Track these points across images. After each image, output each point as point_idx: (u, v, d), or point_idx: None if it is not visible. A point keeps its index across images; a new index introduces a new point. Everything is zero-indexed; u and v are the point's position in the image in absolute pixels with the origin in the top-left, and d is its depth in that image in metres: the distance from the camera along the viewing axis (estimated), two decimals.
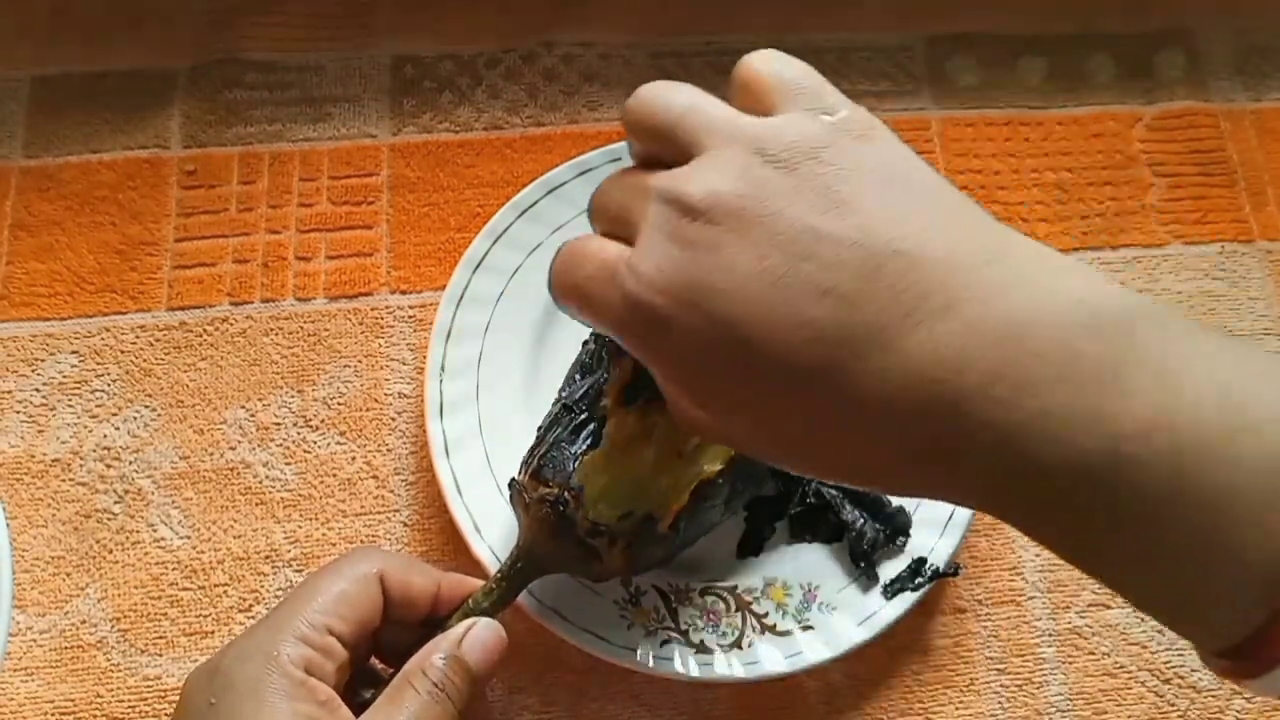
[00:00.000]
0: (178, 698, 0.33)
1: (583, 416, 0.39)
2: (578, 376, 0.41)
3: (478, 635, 0.35)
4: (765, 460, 0.32)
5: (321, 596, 0.34)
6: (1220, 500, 0.24)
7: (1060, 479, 0.25)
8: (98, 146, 0.54)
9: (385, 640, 0.36)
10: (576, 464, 0.38)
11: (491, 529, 0.44)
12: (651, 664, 0.43)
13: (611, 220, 0.30)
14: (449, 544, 0.47)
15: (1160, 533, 0.25)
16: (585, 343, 0.42)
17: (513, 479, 0.40)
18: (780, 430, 0.29)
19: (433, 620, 0.37)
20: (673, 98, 0.30)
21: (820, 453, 0.29)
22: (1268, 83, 0.59)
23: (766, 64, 0.30)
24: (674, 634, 0.43)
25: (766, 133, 0.28)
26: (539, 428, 0.41)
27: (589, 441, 0.38)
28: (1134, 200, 0.56)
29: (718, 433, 0.31)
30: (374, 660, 0.37)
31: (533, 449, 0.40)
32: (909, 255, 0.26)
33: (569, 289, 0.31)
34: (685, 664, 0.43)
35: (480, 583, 0.38)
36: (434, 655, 0.34)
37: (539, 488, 0.38)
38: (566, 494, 0.37)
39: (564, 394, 0.41)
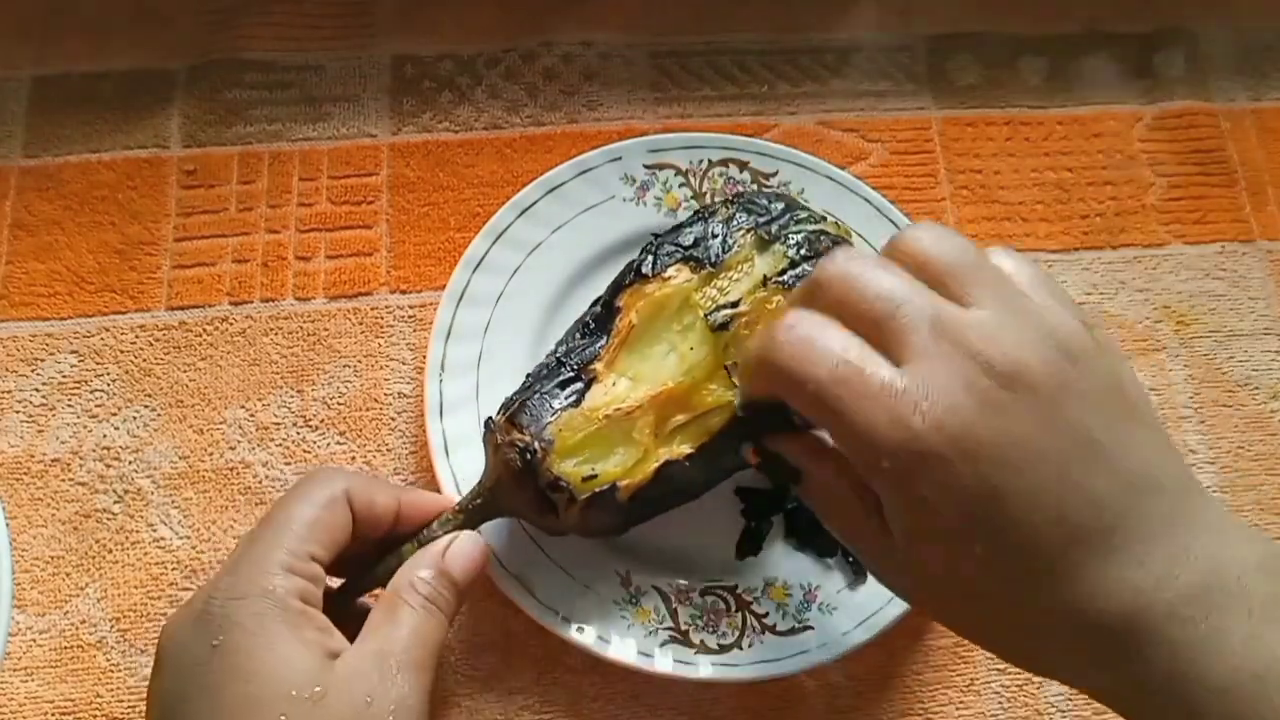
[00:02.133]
0: (155, 657, 0.33)
1: (570, 374, 0.40)
2: (578, 335, 0.42)
3: (460, 547, 0.37)
4: (940, 620, 0.34)
5: (298, 525, 0.34)
6: None
7: (1213, 695, 0.28)
8: (97, 146, 0.54)
9: (342, 554, 0.37)
10: (553, 417, 0.39)
11: (490, 528, 0.44)
12: (652, 664, 0.43)
13: (869, 321, 0.30)
14: None
15: None
16: (593, 304, 0.43)
17: (489, 418, 0.40)
18: (979, 606, 0.31)
19: (393, 537, 0.38)
20: (958, 245, 0.32)
21: (995, 625, 0.31)
22: (1268, 83, 0.59)
23: (1004, 257, 0.32)
24: (674, 634, 0.43)
25: (1051, 316, 0.31)
26: (528, 374, 0.41)
27: (571, 399, 0.39)
28: (1134, 200, 0.56)
29: (909, 587, 0.33)
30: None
31: (516, 393, 0.40)
32: (1150, 480, 0.30)
33: (801, 378, 0.30)
34: (685, 664, 0.43)
35: (439, 499, 0.40)
36: (420, 570, 0.36)
37: (512, 432, 0.39)
38: (536, 444, 0.38)
39: (560, 349, 0.41)
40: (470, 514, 0.39)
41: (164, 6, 0.57)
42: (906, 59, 0.59)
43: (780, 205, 0.43)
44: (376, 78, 0.56)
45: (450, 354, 0.47)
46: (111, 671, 0.44)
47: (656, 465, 0.39)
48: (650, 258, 0.42)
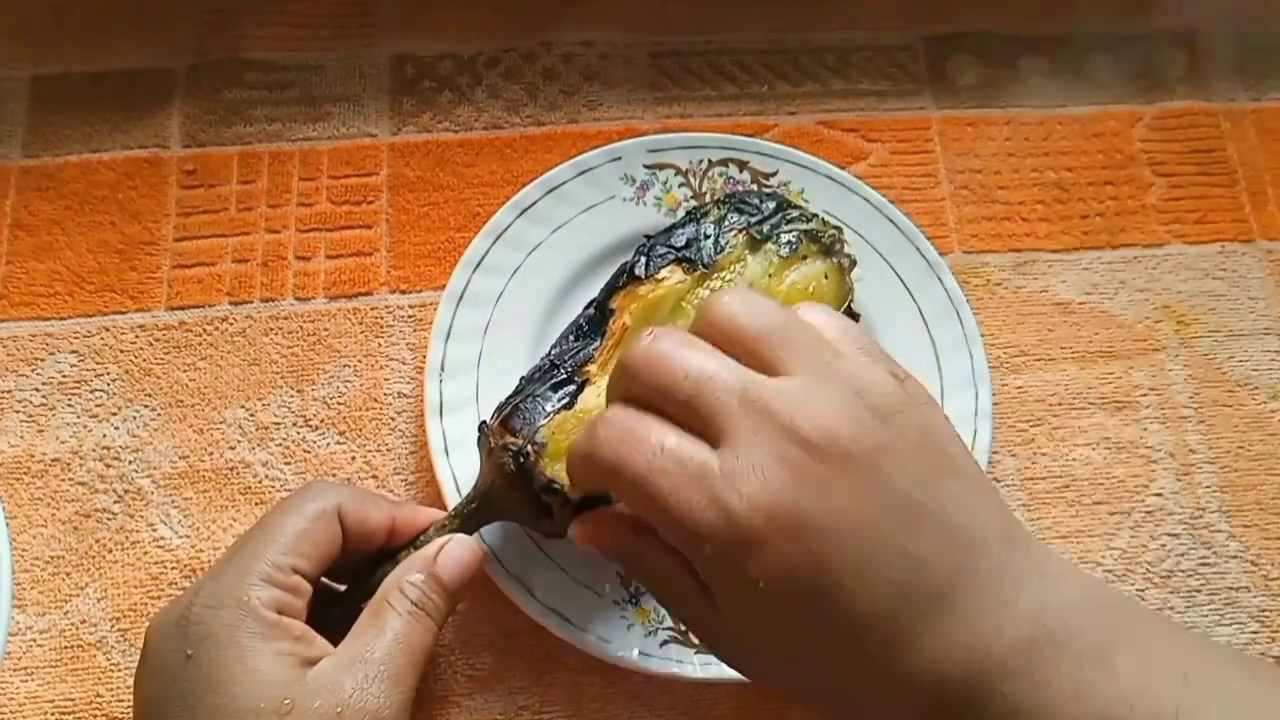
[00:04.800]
0: (141, 648, 0.33)
1: (564, 376, 0.40)
2: (571, 337, 0.42)
3: (451, 552, 0.36)
4: (779, 692, 0.34)
5: (283, 536, 0.34)
6: None
7: None
8: (97, 146, 0.54)
9: (338, 564, 0.37)
10: (546, 420, 0.38)
11: (490, 527, 0.44)
12: (651, 664, 0.43)
13: (680, 403, 0.31)
14: None
15: None
16: (587, 307, 0.43)
17: (483, 422, 0.40)
18: (818, 675, 0.31)
19: (387, 550, 0.38)
20: (766, 310, 0.32)
21: (848, 707, 0.31)
22: (1268, 83, 0.59)
23: (813, 313, 0.33)
24: (674, 634, 0.43)
25: (861, 376, 0.31)
26: (522, 377, 0.41)
27: (564, 402, 0.39)
28: (1134, 200, 0.56)
29: (744, 660, 0.33)
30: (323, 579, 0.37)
31: (509, 397, 0.40)
32: (972, 533, 0.30)
33: (619, 471, 0.31)
34: (685, 664, 0.43)
35: (433, 514, 0.39)
36: (410, 574, 0.35)
37: (505, 435, 0.38)
38: (530, 447, 0.38)
39: (554, 351, 0.41)
40: (466, 518, 0.39)
41: (164, 6, 0.57)
42: (906, 59, 0.59)
43: (772, 205, 0.43)
44: (376, 78, 0.56)
45: (450, 354, 0.47)
46: (111, 671, 0.44)
47: None
48: (643, 259, 0.42)
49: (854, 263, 0.44)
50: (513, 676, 0.45)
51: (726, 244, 0.42)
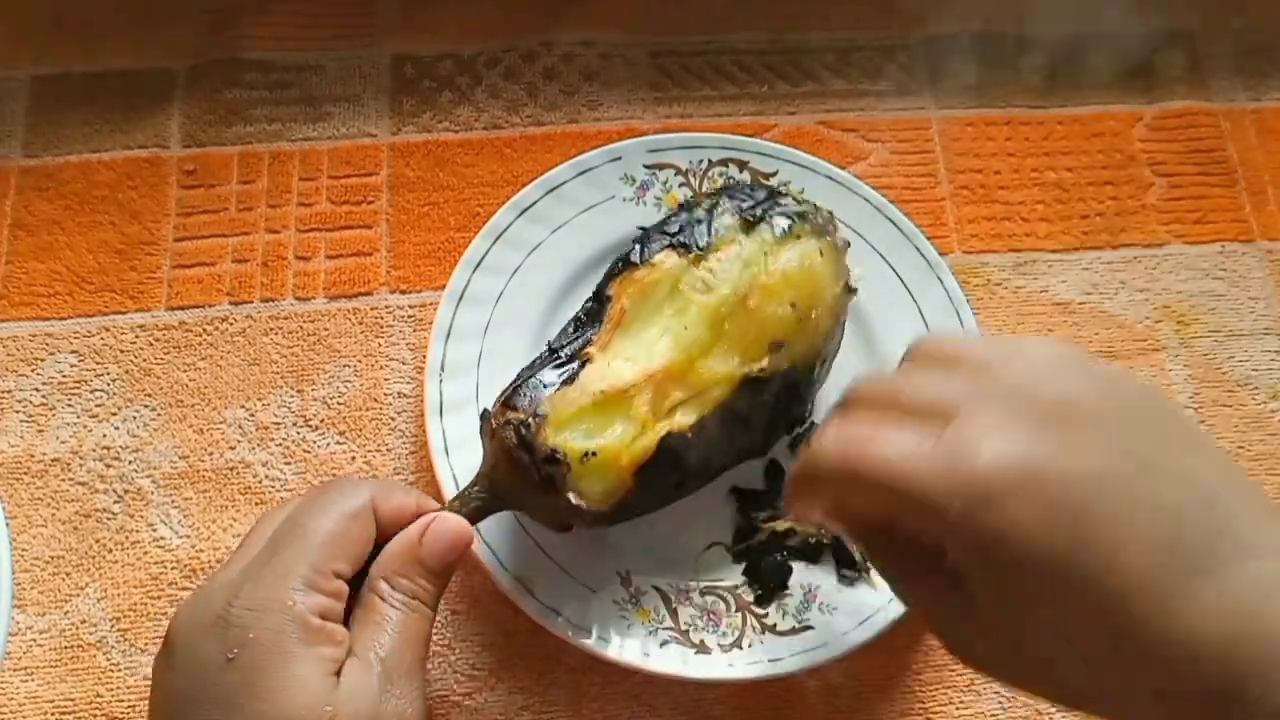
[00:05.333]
0: (164, 641, 0.33)
1: (563, 359, 0.40)
2: (571, 328, 0.42)
3: (436, 533, 0.35)
4: (1022, 686, 0.31)
5: (322, 538, 0.33)
6: None
7: None
8: (97, 146, 0.54)
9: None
10: (547, 394, 0.39)
11: (490, 527, 0.44)
12: (651, 664, 0.42)
13: (910, 408, 0.30)
14: None
15: None
16: (585, 302, 0.43)
17: (485, 410, 0.40)
18: (1076, 660, 0.28)
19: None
20: (970, 338, 0.33)
21: (1096, 691, 0.29)
22: (1268, 82, 0.59)
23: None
24: (674, 634, 0.43)
25: (1081, 355, 0.32)
26: (521, 370, 0.41)
27: (565, 378, 0.39)
28: (1134, 200, 0.56)
29: (1000, 659, 0.31)
30: None
31: (510, 384, 0.40)
32: (1230, 496, 0.28)
33: (856, 466, 0.30)
34: (685, 664, 0.43)
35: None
36: (396, 565, 0.34)
37: (506, 413, 0.38)
38: (531, 419, 0.38)
39: (553, 342, 0.42)
40: (467, 503, 0.39)
41: (164, 6, 0.57)
42: (906, 59, 0.59)
43: (763, 193, 0.44)
44: (376, 78, 0.56)
45: (450, 354, 0.47)
46: (111, 671, 0.44)
47: (658, 438, 0.39)
48: (638, 247, 0.43)
49: (848, 244, 0.45)
50: (513, 676, 0.45)
51: (720, 227, 0.42)
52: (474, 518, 0.38)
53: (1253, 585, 0.26)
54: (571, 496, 0.38)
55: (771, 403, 0.42)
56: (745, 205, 0.43)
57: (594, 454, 0.38)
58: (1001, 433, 0.28)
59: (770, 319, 0.41)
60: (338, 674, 0.32)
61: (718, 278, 0.41)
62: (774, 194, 0.44)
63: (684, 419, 0.39)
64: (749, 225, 0.42)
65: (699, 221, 0.43)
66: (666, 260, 0.42)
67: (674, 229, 0.43)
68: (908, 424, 0.30)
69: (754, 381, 0.41)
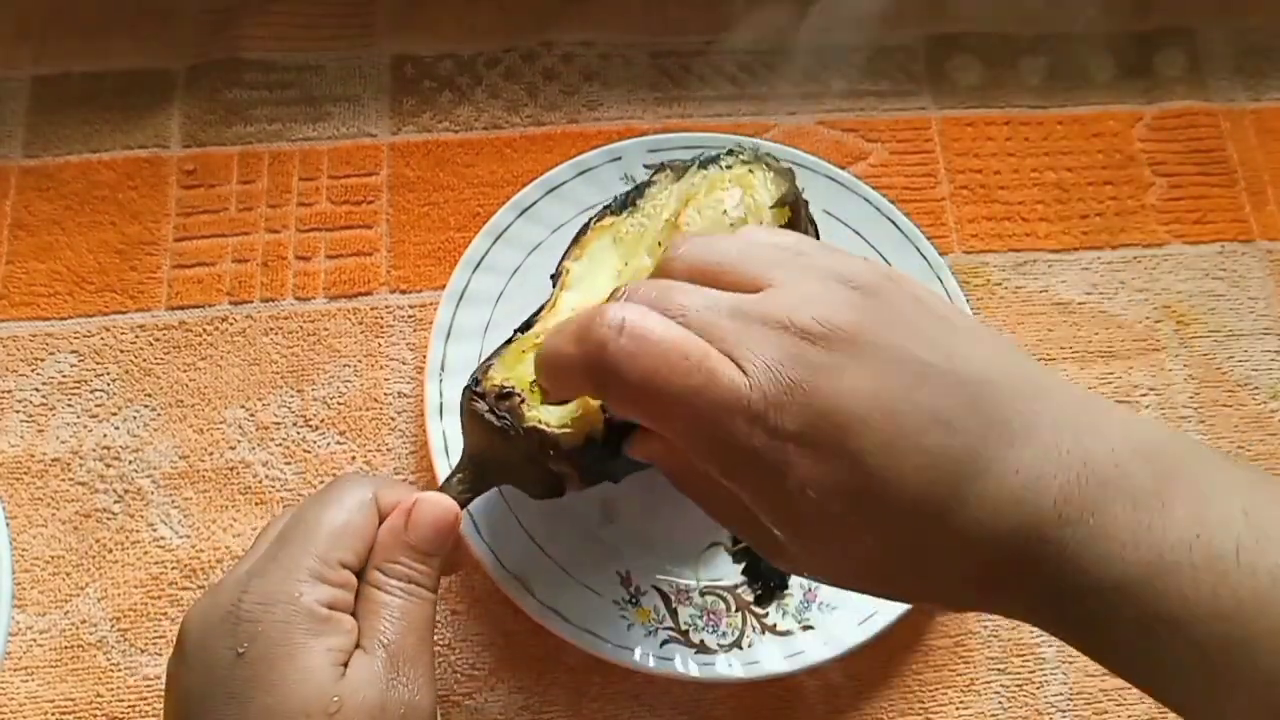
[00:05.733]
0: (177, 641, 0.33)
1: (513, 334, 0.40)
2: (533, 313, 0.42)
3: (421, 515, 0.35)
4: (839, 585, 0.32)
5: (328, 531, 0.34)
6: (1244, 609, 0.26)
7: (1110, 593, 0.27)
8: (97, 146, 0.54)
9: None
10: (497, 355, 0.39)
11: (490, 527, 0.44)
12: (651, 664, 0.43)
13: (690, 330, 0.30)
14: None
15: (1195, 640, 0.27)
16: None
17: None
18: (865, 557, 0.30)
19: None
20: (725, 241, 0.32)
21: (902, 579, 0.31)
22: (1268, 82, 0.59)
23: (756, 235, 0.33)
24: (674, 634, 0.43)
25: (834, 264, 0.30)
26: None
27: (510, 338, 0.40)
28: (1134, 200, 0.56)
29: (800, 559, 0.32)
30: None
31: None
32: (994, 384, 0.29)
33: (656, 393, 0.29)
34: (685, 664, 0.43)
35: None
36: (389, 552, 0.34)
37: (466, 390, 0.39)
38: (480, 374, 0.38)
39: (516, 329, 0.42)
40: (455, 486, 0.38)
41: (164, 6, 0.57)
42: (906, 59, 0.59)
43: (698, 164, 0.44)
44: (376, 78, 0.56)
45: (450, 354, 0.47)
46: (111, 671, 0.44)
47: None
48: (583, 225, 0.43)
49: (791, 171, 0.43)
50: (513, 676, 0.45)
51: (654, 180, 0.43)
52: (464, 499, 0.38)
53: (1016, 475, 0.28)
54: (533, 422, 0.37)
55: None
56: (678, 166, 0.43)
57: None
58: (778, 378, 0.28)
59: (704, 232, 0.40)
60: (346, 665, 0.32)
61: (654, 217, 0.41)
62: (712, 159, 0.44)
63: None
64: (680, 173, 0.43)
65: (635, 186, 0.43)
66: (604, 220, 0.42)
67: (612, 201, 0.43)
68: (691, 341, 0.29)
69: None
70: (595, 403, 0.37)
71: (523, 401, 0.37)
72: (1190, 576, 0.26)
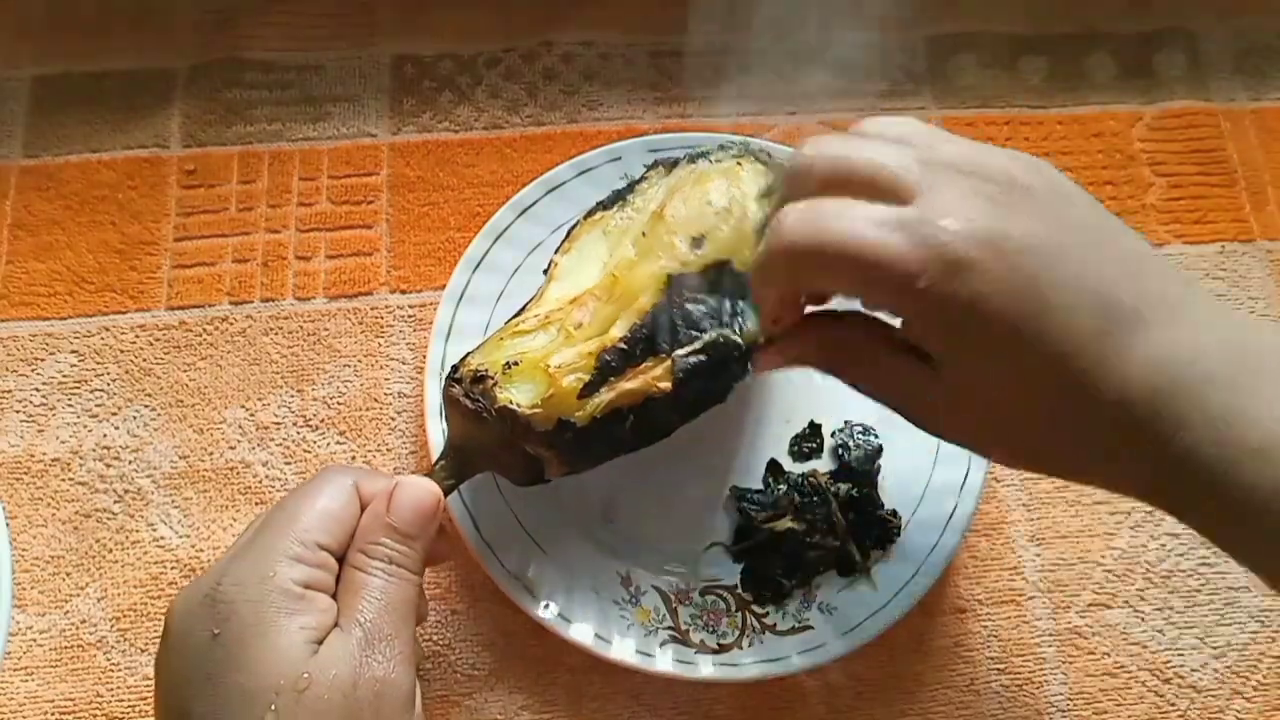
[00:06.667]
0: (164, 629, 0.33)
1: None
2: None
3: (400, 498, 0.35)
4: (978, 447, 0.35)
5: (306, 515, 0.34)
6: None
7: (1251, 458, 0.29)
8: (98, 146, 0.54)
9: None
10: (477, 349, 0.40)
11: (489, 527, 0.44)
12: (651, 664, 0.43)
13: (865, 185, 0.31)
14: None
15: None
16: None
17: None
18: (1009, 415, 0.32)
19: None
20: (888, 122, 0.34)
21: (1039, 436, 0.33)
22: (1268, 82, 0.59)
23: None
24: (674, 634, 0.43)
25: (995, 147, 0.33)
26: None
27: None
28: (1134, 200, 0.56)
29: (964, 424, 0.34)
30: None
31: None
32: (1156, 260, 0.32)
33: (822, 244, 0.31)
34: (685, 664, 0.43)
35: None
36: (370, 533, 0.35)
37: (446, 376, 0.40)
38: (459, 364, 0.39)
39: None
40: (439, 473, 0.39)
41: (164, 6, 0.57)
42: (906, 59, 0.59)
43: (687, 158, 0.45)
44: (376, 78, 0.56)
45: (450, 354, 0.47)
46: (111, 671, 0.44)
47: (591, 351, 0.39)
48: (576, 219, 0.44)
49: (780, 166, 0.43)
50: (513, 676, 0.45)
51: (645, 179, 0.44)
52: (448, 486, 0.39)
53: (1171, 345, 0.30)
54: (506, 404, 0.38)
55: (709, 287, 0.40)
56: (668, 161, 0.44)
57: (516, 363, 0.39)
58: (962, 207, 0.30)
59: (689, 220, 0.41)
60: (320, 643, 0.32)
61: (643, 210, 0.42)
62: (701, 154, 0.45)
63: (617, 331, 0.39)
64: (670, 168, 0.44)
65: (628, 185, 0.45)
66: (595, 215, 0.44)
67: (604, 198, 0.45)
68: (871, 200, 0.31)
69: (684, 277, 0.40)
70: (566, 385, 0.38)
71: (495, 384, 0.38)
72: None
